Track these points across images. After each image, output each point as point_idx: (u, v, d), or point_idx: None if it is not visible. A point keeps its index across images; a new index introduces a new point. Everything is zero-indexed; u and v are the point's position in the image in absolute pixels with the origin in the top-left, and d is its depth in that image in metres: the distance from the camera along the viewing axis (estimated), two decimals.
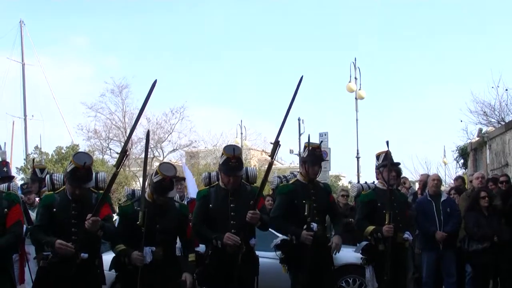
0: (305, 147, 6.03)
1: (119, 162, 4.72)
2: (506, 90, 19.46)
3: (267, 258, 6.62)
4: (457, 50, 55.86)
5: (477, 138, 17.87)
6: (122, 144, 31.92)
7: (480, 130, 18.07)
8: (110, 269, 5.19)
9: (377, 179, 6.50)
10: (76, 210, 4.94)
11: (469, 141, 19.54)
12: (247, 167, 5.89)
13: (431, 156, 69.31)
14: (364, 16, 58.82)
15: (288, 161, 39.45)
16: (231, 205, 5.43)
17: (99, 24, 57.62)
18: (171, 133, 35.62)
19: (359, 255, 6.35)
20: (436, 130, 56.93)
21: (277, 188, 6.19)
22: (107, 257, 5.26)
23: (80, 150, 24.24)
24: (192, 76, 59.95)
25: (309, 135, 6.09)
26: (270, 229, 5.94)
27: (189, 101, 63.69)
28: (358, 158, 21.39)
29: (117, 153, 5.04)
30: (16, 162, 32.96)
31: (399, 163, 6.86)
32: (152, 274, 4.99)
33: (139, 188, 5.47)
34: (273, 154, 5.57)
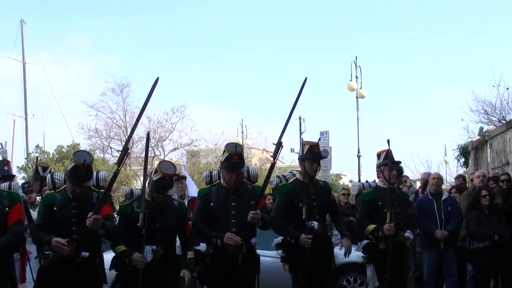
0: (303, 145, 6.03)
1: (121, 160, 4.72)
2: (507, 88, 19.46)
3: (268, 256, 6.62)
4: (457, 49, 55.87)
5: (478, 137, 17.88)
6: (123, 143, 31.97)
7: (481, 128, 18.08)
8: (110, 269, 5.19)
9: (378, 177, 6.50)
10: (76, 209, 4.94)
11: (470, 139, 19.55)
12: (248, 166, 5.89)
13: (432, 155, 69.28)
14: (364, 15, 58.83)
15: (289, 160, 39.45)
16: (232, 204, 5.43)
17: (100, 24, 57.69)
18: (172, 132, 35.68)
19: (360, 254, 6.35)
20: (437, 128, 56.99)
21: (276, 187, 6.19)
22: (108, 256, 5.27)
23: (80, 149, 24.25)
24: (192, 75, 59.98)
25: (301, 138, 6.08)
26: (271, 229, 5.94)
27: (190, 101, 64.06)
28: (359, 156, 21.40)
29: (118, 151, 5.05)
30: (17, 161, 33.01)
31: (400, 162, 6.85)
32: (152, 273, 4.99)
33: (139, 187, 5.47)
34: (275, 155, 5.57)
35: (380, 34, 59.63)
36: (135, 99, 35.67)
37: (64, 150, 32.49)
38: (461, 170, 20.97)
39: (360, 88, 21.54)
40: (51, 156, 32.31)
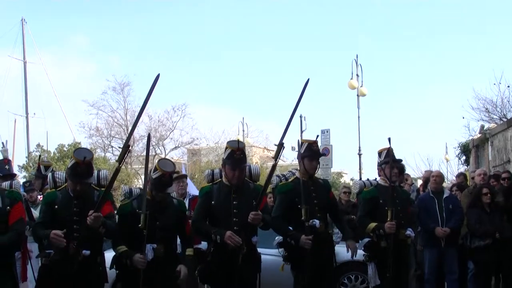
0: (301, 143, 6.02)
1: (122, 157, 4.72)
2: (508, 86, 19.45)
3: (269, 255, 6.62)
4: (458, 47, 55.92)
5: (479, 135, 17.88)
6: (124, 141, 31.92)
7: (482, 126, 18.09)
8: (110, 268, 5.19)
9: (379, 176, 6.49)
10: (77, 207, 4.95)
11: (471, 137, 19.54)
12: (250, 165, 5.88)
13: (433, 153, 69.16)
14: (365, 15, 58.84)
15: (290, 158, 39.44)
16: (234, 202, 5.42)
17: (100, 23, 57.68)
18: (172, 131, 35.64)
19: (361, 252, 6.34)
20: (438, 127, 56.96)
21: (276, 187, 6.18)
22: (109, 255, 5.27)
23: (81, 146, 24.27)
24: (193, 74, 60.03)
25: (298, 141, 6.07)
26: None
27: (191, 99, 63.97)
28: (360, 155, 21.41)
29: (119, 149, 5.05)
30: (18, 160, 33.02)
31: (401, 160, 6.85)
32: (153, 272, 4.99)
33: (140, 186, 5.48)
34: (277, 156, 5.57)
35: (380, 32, 59.75)
36: (136, 97, 35.71)
37: (65, 149, 32.52)
38: (462, 168, 20.99)
39: (361, 86, 21.55)
40: (52, 155, 32.32)
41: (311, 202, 5.73)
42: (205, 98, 60.07)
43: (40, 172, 8.12)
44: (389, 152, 6.25)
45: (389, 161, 6.20)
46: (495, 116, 19.71)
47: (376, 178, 6.61)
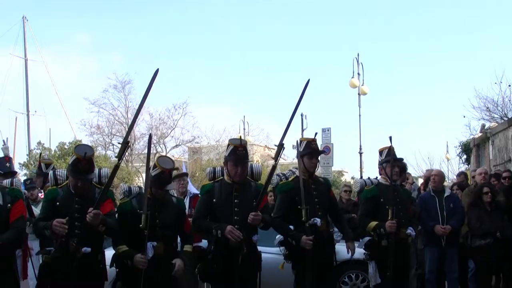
0: (300, 142, 6.01)
1: (121, 153, 4.72)
2: (509, 85, 19.48)
3: (270, 253, 6.62)
4: (460, 46, 55.95)
5: (480, 134, 17.88)
6: (128, 140, 31.84)
7: (483, 125, 18.10)
8: (110, 266, 5.19)
9: (380, 174, 6.48)
10: (79, 204, 4.95)
11: (472, 136, 19.56)
12: (251, 164, 5.89)
13: (434, 152, 69.18)
14: (366, 14, 58.80)
15: (291, 157, 39.44)
16: (235, 201, 5.42)
17: (101, 21, 57.75)
18: (173, 129, 35.62)
19: (362, 251, 6.34)
20: (439, 126, 56.99)
21: (277, 186, 6.18)
22: (109, 253, 5.27)
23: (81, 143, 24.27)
24: (194, 73, 60.06)
25: (297, 141, 6.06)
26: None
27: (192, 98, 63.89)
28: (360, 153, 21.40)
29: (118, 143, 5.04)
30: (19, 157, 33.08)
31: (402, 159, 6.85)
32: (153, 270, 4.99)
33: (140, 184, 5.47)
34: (277, 156, 5.57)
35: (381, 31, 59.76)
36: (137, 96, 35.51)
37: (66, 147, 32.52)
38: (463, 167, 21.00)
39: (362, 85, 21.53)
40: (53, 153, 32.33)
41: (312, 201, 5.72)
42: (206, 96, 60.21)
43: (41, 170, 8.12)
44: (390, 151, 6.25)
45: (390, 160, 6.20)
46: (496, 115, 19.73)
47: (377, 177, 6.60)
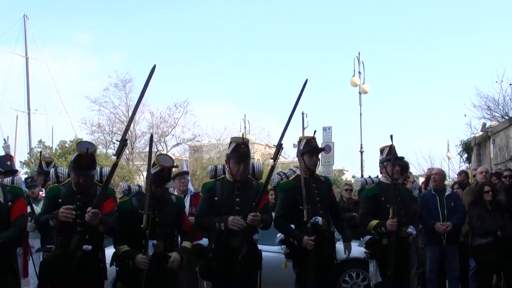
0: (300, 140, 6.01)
1: (119, 152, 4.73)
2: (510, 84, 19.46)
3: (270, 252, 6.62)
4: (461, 45, 55.94)
5: (481, 133, 17.88)
6: (126, 138, 31.86)
7: (484, 124, 18.10)
8: (111, 265, 5.19)
9: (381, 173, 6.48)
10: (81, 201, 4.94)
11: (473, 135, 19.56)
12: (253, 163, 5.89)
13: (435, 150, 69.17)
14: (367, 13, 58.77)
15: (292, 155, 39.45)
16: (237, 199, 5.43)
17: (103, 20, 57.77)
18: (174, 127, 35.67)
19: (362, 249, 6.34)
20: (440, 124, 56.95)
21: (278, 185, 6.18)
22: (109, 251, 5.27)
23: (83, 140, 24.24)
24: (195, 71, 60.09)
25: (298, 142, 6.05)
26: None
27: (193, 96, 63.92)
28: (361, 152, 21.37)
29: (116, 140, 5.04)
30: (20, 156, 33.09)
31: (403, 157, 6.84)
32: (153, 268, 4.98)
33: (140, 182, 5.48)
34: (275, 157, 5.58)
35: (382, 30, 59.68)
36: (138, 94, 35.60)
37: (67, 145, 32.55)
38: (464, 166, 20.99)
39: (363, 84, 21.51)
40: (54, 151, 32.35)
41: (313, 200, 5.72)
42: (207, 95, 60.19)
43: (42, 168, 8.12)
44: (391, 149, 6.24)
45: (391, 159, 6.19)
46: (497, 114, 19.71)
47: (378, 176, 6.60)
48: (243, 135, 6.53)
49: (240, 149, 5.43)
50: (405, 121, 55.41)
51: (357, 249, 6.34)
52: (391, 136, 6.28)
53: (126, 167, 31.43)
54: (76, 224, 4.84)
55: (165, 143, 35.82)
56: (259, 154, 39.79)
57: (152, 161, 5.20)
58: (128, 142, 4.97)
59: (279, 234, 5.87)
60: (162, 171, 5.12)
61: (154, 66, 4.76)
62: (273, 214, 5.85)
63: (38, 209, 6.83)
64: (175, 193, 5.94)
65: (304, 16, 61.73)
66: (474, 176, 9.40)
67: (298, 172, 6.00)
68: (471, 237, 7.59)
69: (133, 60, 57.35)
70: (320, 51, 61.27)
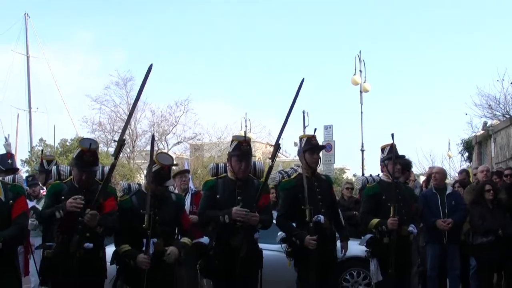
0: (300, 139, 6.01)
1: (117, 152, 4.74)
2: (511, 83, 19.39)
3: (271, 251, 6.62)
4: (462, 44, 55.90)
5: (482, 132, 17.87)
6: (127, 136, 32.01)
7: (485, 123, 18.07)
8: (111, 263, 5.18)
9: (382, 172, 6.47)
10: (83, 198, 4.94)
11: (473, 134, 19.53)
12: (254, 161, 5.89)
13: (435, 149, 69.20)
14: (367, 12, 58.73)
15: (293, 154, 39.44)
16: (238, 198, 5.43)
17: (104, 19, 57.77)
18: (175, 126, 35.67)
19: (363, 248, 6.34)
20: (441, 123, 56.93)
21: (279, 184, 6.17)
22: (110, 250, 5.26)
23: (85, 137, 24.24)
24: (196, 70, 60.06)
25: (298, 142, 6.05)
26: (274, 222, 5.93)
27: (194, 95, 63.74)
28: (362, 151, 21.34)
29: (114, 140, 5.06)
30: (21, 154, 33.12)
31: (404, 156, 6.84)
32: (154, 267, 4.98)
33: (141, 181, 5.48)
34: (273, 156, 5.58)
35: (383, 29, 59.61)
36: None
37: (67, 143, 32.54)
38: (465, 165, 20.95)
39: (364, 82, 21.49)
40: (55, 149, 32.36)
41: (315, 198, 5.71)
42: (208, 93, 60.12)
43: (43, 167, 8.12)
44: (392, 148, 6.24)
45: (392, 157, 6.19)
46: (498, 113, 19.65)
47: (379, 174, 6.60)
48: (245, 133, 6.55)
49: (242, 147, 5.44)
50: (406, 119, 55.46)
51: (358, 248, 6.34)
52: (392, 135, 6.28)
53: (127, 166, 31.44)
54: (78, 221, 4.83)
55: (166, 142, 35.85)
56: (260, 153, 39.77)
57: (152, 160, 5.21)
58: (125, 142, 5.00)
59: (280, 233, 5.87)
60: (162, 170, 5.12)
61: (151, 66, 4.77)
62: (274, 212, 5.84)
63: (39, 207, 6.84)
64: (176, 191, 5.94)
65: (304, 16, 61.70)
66: (475, 175, 9.40)
67: (299, 170, 6.00)
68: (472, 235, 7.58)
69: (134, 59, 57.45)
70: (321, 50, 61.31)
